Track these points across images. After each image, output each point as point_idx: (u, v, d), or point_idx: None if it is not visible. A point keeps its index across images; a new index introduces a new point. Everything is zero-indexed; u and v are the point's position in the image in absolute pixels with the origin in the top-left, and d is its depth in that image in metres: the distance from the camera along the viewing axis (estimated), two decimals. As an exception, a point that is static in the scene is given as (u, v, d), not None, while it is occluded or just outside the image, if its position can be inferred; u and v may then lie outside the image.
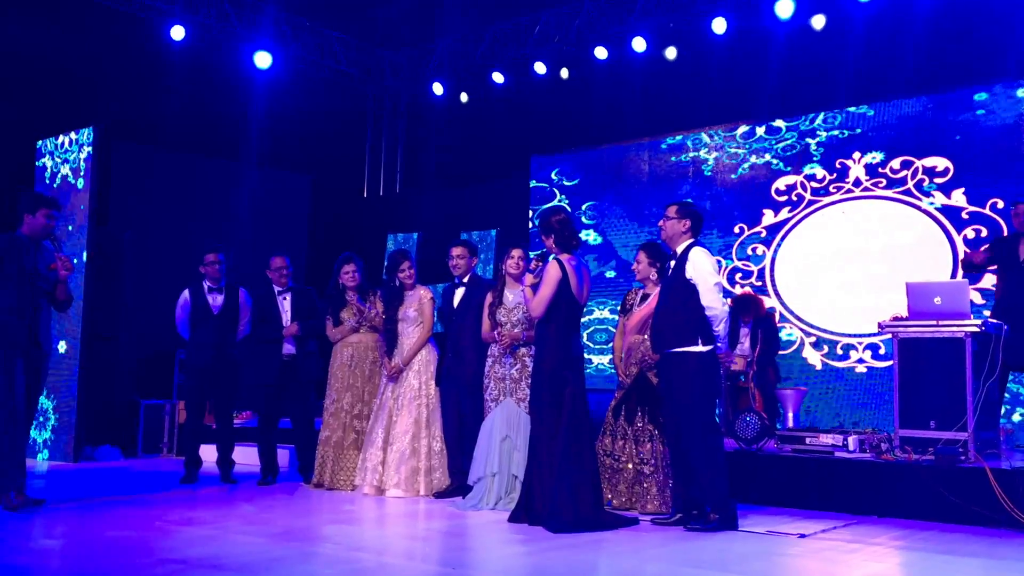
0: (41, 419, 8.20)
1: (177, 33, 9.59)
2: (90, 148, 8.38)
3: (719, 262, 9.04)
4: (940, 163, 8.18)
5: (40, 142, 8.94)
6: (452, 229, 10.53)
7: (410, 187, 12.47)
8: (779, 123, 9.07)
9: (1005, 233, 7.42)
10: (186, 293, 6.88)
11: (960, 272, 7.62)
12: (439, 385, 6.24)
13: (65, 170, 8.58)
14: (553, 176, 10.53)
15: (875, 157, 8.51)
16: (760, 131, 9.18)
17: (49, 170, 8.80)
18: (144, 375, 9.29)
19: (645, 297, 5.65)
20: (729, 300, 8.17)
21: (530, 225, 10.32)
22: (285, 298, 6.84)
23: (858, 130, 8.63)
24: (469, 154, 11.47)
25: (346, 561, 4.12)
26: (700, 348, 4.88)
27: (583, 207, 10.21)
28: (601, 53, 10.04)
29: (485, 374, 5.77)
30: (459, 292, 6.30)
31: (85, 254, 8.15)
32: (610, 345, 9.63)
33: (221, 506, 5.80)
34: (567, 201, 10.34)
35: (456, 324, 6.21)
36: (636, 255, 5.73)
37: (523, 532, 4.83)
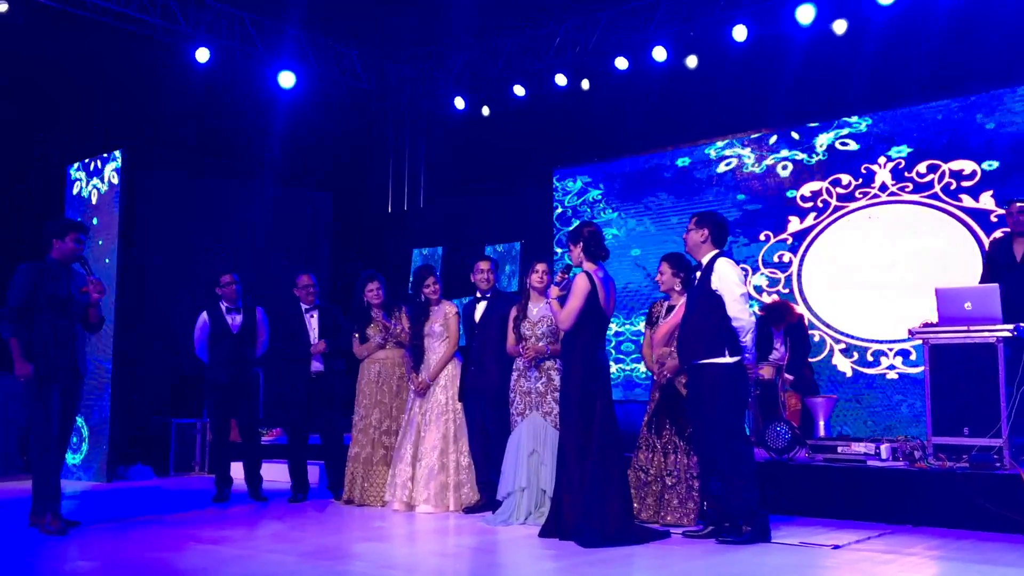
0: (75, 440, 8.29)
1: (202, 56, 9.69)
2: (118, 165, 8.50)
3: (744, 271, 8.99)
4: (967, 166, 8.09)
5: (72, 167, 9.08)
6: (476, 243, 10.54)
7: (434, 201, 12.52)
8: (803, 128, 9.01)
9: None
10: (204, 315, 6.95)
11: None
12: (462, 399, 6.25)
13: (99, 185, 8.71)
14: (576, 187, 10.53)
15: (901, 162, 8.43)
16: (784, 137, 9.12)
17: (80, 186, 8.94)
18: (175, 394, 9.37)
19: (671, 309, 5.64)
20: (759, 308, 8.13)
21: (554, 237, 10.31)
22: (312, 316, 6.90)
23: (883, 135, 8.55)
24: (492, 167, 11.49)
25: (377, 579, 4.13)
26: (728, 359, 4.85)
27: (606, 217, 10.20)
28: (621, 63, 10.03)
29: (511, 388, 5.77)
30: (480, 306, 6.33)
31: (116, 276, 8.26)
32: (632, 356, 9.61)
33: (252, 525, 5.84)
34: (588, 211, 10.33)
35: (478, 338, 6.24)
36: (659, 266, 5.72)
37: (554, 547, 4.82)
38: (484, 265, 6.36)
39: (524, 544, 4.97)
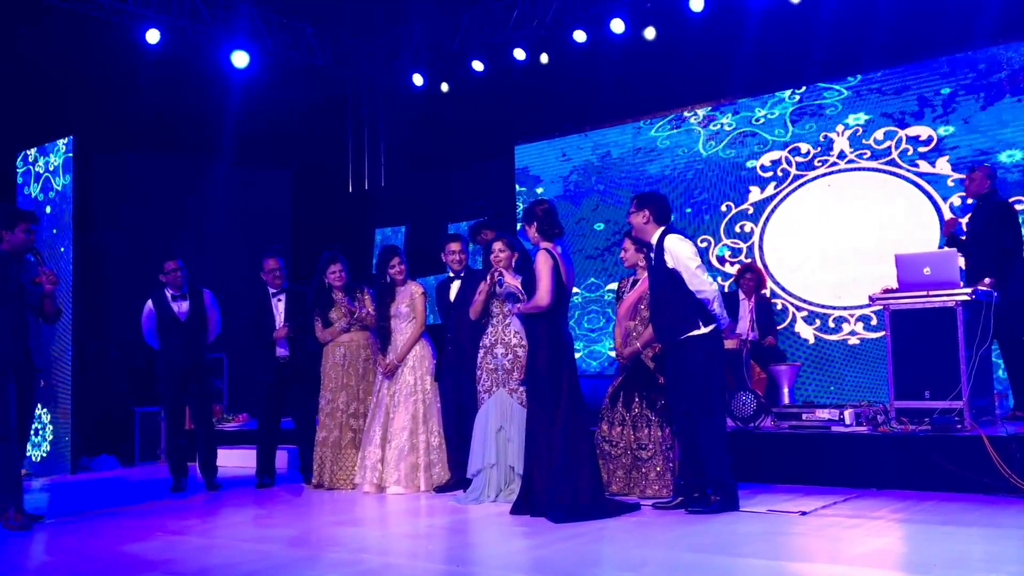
0: (37, 438, 8.14)
1: (152, 36, 9.45)
2: (69, 155, 8.31)
3: (700, 242, 9.05)
4: (923, 132, 8.17)
5: (21, 153, 8.86)
6: (439, 220, 10.47)
7: (395, 179, 12.41)
8: (760, 98, 9.04)
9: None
10: (149, 303, 6.80)
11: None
12: (439, 380, 6.23)
13: (52, 171, 8.50)
14: (536, 162, 10.49)
15: (859, 129, 8.50)
16: (742, 107, 9.15)
17: (31, 172, 8.72)
18: (137, 382, 9.24)
19: (636, 284, 5.65)
20: (722, 280, 8.18)
21: (518, 213, 10.28)
22: (280, 299, 6.81)
23: (841, 103, 8.61)
24: (452, 143, 11.40)
25: (350, 564, 4.11)
26: (704, 330, 4.87)
27: (567, 192, 10.17)
28: (580, 36, 9.97)
29: (478, 365, 5.76)
30: (455, 285, 6.29)
31: (71, 264, 8.10)
32: (596, 331, 9.65)
33: (221, 512, 5.79)
34: (549, 181, 10.30)
35: (454, 318, 6.20)
36: (623, 243, 5.73)
37: (525, 524, 4.83)
38: (455, 246, 6.31)
39: (496, 522, 4.98)
